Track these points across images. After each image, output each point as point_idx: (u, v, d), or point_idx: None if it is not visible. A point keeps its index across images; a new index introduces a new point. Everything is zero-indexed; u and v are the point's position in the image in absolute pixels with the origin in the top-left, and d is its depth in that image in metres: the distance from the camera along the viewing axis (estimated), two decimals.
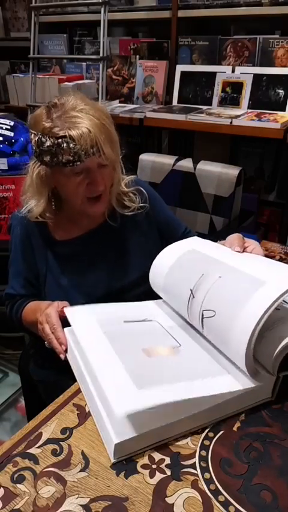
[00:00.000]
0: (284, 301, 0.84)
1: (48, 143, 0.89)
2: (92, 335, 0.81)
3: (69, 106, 0.91)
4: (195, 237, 1.02)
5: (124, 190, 1.09)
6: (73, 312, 0.89)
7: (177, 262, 0.92)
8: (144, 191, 1.12)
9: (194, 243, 0.98)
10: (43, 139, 0.90)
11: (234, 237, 0.96)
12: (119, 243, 1.10)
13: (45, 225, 1.06)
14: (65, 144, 0.88)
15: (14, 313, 1.08)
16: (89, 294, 1.05)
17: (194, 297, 0.81)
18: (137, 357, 0.75)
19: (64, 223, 1.07)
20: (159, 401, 0.63)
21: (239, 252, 0.92)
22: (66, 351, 0.86)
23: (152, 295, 1.01)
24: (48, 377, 1.10)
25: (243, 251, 0.93)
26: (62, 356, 0.85)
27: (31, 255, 1.08)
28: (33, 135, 0.93)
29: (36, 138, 0.91)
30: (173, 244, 0.99)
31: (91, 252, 1.08)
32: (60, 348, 0.86)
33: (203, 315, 0.77)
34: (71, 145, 0.88)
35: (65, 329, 0.90)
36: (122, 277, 1.08)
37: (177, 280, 0.89)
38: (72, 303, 1.00)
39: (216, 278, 0.80)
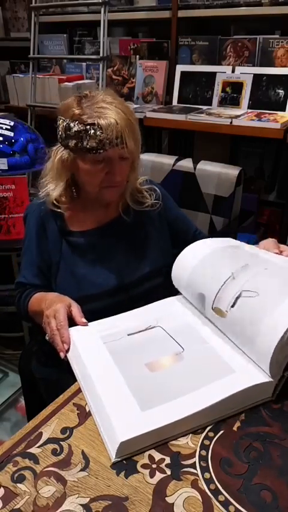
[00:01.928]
0: None
1: (76, 128, 0.94)
2: (96, 354, 0.82)
3: (99, 98, 0.97)
4: (230, 238, 1.04)
5: (139, 188, 1.13)
6: (77, 331, 0.89)
7: (217, 251, 0.93)
8: (158, 190, 1.16)
9: (231, 241, 1.01)
10: (71, 124, 0.95)
11: (270, 242, 1.00)
12: (132, 238, 1.12)
13: (61, 215, 1.08)
14: (92, 131, 0.93)
15: (21, 302, 1.09)
16: (101, 285, 1.06)
17: (234, 278, 0.82)
18: (140, 374, 0.76)
19: (79, 214, 1.10)
20: (162, 423, 0.65)
21: (276, 253, 0.95)
22: (67, 350, 0.86)
23: (163, 290, 1.01)
24: (50, 375, 1.10)
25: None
26: (62, 354, 0.86)
27: (45, 244, 1.09)
28: (61, 120, 0.98)
29: (65, 124, 0.96)
30: (211, 238, 1.01)
31: (104, 244, 1.10)
32: (62, 346, 0.86)
33: (240, 294, 0.78)
34: (98, 132, 0.93)
35: (70, 329, 0.90)
36: (134, 271, 1.10)
37: (215, 263, 0.90)
38: (84, 293, 1.02)
39: (262, 269, 0.82)
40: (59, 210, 1.07)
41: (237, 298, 0.78)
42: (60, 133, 0.99)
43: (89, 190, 1.04)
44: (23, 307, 1.08)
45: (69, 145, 0.97)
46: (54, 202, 1.06)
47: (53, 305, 0.92)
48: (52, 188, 1.06)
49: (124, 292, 1.07)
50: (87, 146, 0.94)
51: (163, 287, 1.08)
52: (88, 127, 0.93)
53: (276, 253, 0.96)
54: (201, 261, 0.92)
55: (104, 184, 1.01)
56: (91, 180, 1.01)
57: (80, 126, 0.94)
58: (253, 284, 0.78)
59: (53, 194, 1.05)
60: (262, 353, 0.71)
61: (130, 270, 1.10)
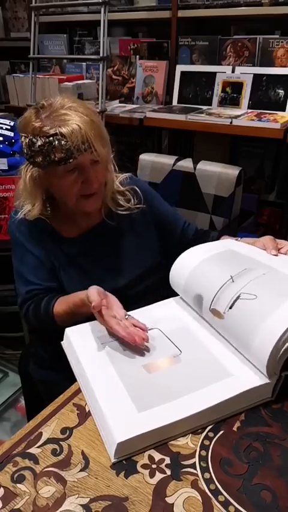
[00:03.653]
0: None
1: (39, 143, 0.90)
2: (93, 355, 0.82)
3: (57, 105, 0.92)
4: (229, 239, 1.04)
5: (119, 189, 1.10)
6: (74, 332, 0.89)
7: (215, 255, 0.93)
8: (139, 191, 1.12)
9: (230, 244, 1.00)
10: (34, 139, 0.90)
11: (268, 240, 0.98)
12: (117, 242, 1.11)
13: (46, 223, 1.06)
14: (56, 142, 0.89)
15: (43, 312, 1.01)
16: None
17: (233, 281, 0.81)
18: (137, 375, 0.76)
19: (63, 223, 1.08)
20: (159, 425, 0.65)
21: (275, 255, 0.94)
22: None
23: (155, 291, 1.01)
24: (49, 376, 1.10)
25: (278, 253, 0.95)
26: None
27: (43, 249, 1.06)
28: (23, 137, 0.93)
29: (27, 140, 0.91)
30: (209, 243, 1.01)
31: (90, 251, 1.08)
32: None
33: (239, 296, 0.78)
34: (63, 142, 0.88)
35: (67, 329, 0.90)
36: (124, 275, 1.09)
37: (215, 266, 0.90)
38: None
39: (261, 274, 0.81)
40: (43, 218, 1.04)
41: (236, 300, 0.78)
42: (25, 150, 0.93)
43: (67, 203, 1.00)
44: (45, 317, 1.00)
45: (36, 162, 0.92)
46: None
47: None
48: (29, 209, 1.02)
49: (118, 297, 1.06)
50: (56, 159, 0.90)
51: (153, 288, 1.06)
52: (51, 138, 0.88)
53: (275, 254, 0.95)
54: (201, 263, 0.92)
55: (81, 192, 0.97)
56: (67, 193, 0.97)
57: (43, 139, 0.89)
58: (252, 287, 0.78)
59: (31, 214, 1.02)
60: (259, 355, 0.71)
61: (120, 275, 1.08)
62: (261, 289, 0.78)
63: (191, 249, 0.98)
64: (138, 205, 1.11)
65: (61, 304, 0.99)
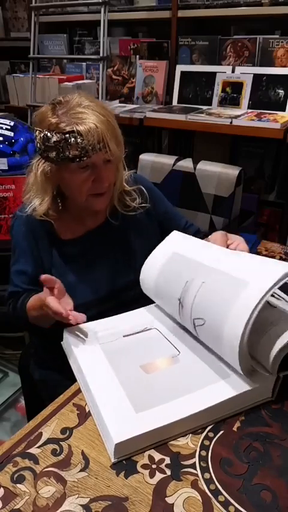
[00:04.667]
0: (281, 297, 0.85)
1: (54, 138, 0.90)
2: (92, 355, 0.82)
3: (74, 103, 0.92)
4: (176, 235, 0.99)
5: (126, 189, 1.10)
6: (72, 332, 0.89)
7: (162, 271, 0.92)
8: (144, 191, 1.12)
9: (175, 244, 0.96)
10: (49, 135, 0.91)
11: (218, 236, 0.96)
12: (121, 242, 1.10)
13: (50, 224, 1.05)
14: (72, 139, 0.89)
15: (19, 307, 1.04)
16: (95, 291, 1.06)
17: (182, 306, 0.81)
18: (135, 376, 0.76)
19: (69, 223, 1.07)
20: (156, 425, 0.65)
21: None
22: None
23: None
24: (49, 376, 1.10)
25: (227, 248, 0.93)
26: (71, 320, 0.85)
27: (37, 252, 1.07)
28: (38, 132, 0.93)
29: (42, 135, 0.92)
30: (156, 249, 0.97)
31: (94, 250, 1.08)
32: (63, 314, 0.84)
33: (194, 323, 0.78)
34: (79, 140, 0.89)
35: (66, 329, 0.90)
36: (126, 275, 1.08)
37: (165, 290, 0.90)
38: (77, 300, 1.00)
39: (200, 284, 0.79)
40: (47, 219, 1.03)
41: (195, 328, 0.79)
42: (39, 145, 0.94)
43: (77, 200, 1.01)
44: (21, 311, 1.04)
45: (50, 157, 0.93)
46: (43, 216, 1.03)
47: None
48: (38, 203, 1.02)
49: (115, 298, 1.06)
50: (70, 156, 0.90)
51: None
52: (67, 135, 0.89)
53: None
54: (156, 286, 0.92)
55: (92, 191, 0.98)
56: (78, 190, 0.98)
57: (58, 135, 0.89)
58: (197, 310, 0.78)
59: (39, 209, 1.02)
60: (235, 366, 0.72)
61: (122, 274, 1.08)
62: (204, 309, 0.76)
63: (144, 266, 0.97)
64: (143, 205, 1.11)
65: (33, 299, 1.00)
